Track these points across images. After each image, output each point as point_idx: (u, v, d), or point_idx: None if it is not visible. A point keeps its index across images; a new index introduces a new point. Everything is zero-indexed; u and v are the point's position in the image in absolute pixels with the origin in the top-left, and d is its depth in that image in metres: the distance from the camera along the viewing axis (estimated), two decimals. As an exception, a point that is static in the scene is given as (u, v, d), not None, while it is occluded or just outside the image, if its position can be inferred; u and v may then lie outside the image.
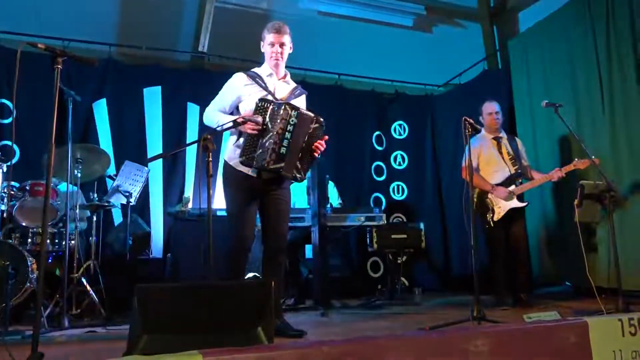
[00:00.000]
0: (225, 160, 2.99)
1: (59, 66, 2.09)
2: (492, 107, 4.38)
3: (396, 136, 6.68)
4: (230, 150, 2.96)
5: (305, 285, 4.81)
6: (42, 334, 3.16)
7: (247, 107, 2.91)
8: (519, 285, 4.17)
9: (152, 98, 5.54)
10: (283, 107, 2.84)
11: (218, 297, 1.94)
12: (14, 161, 4.82)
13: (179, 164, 5.50)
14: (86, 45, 5.18)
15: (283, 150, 2.82)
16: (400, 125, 6.71)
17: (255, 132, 2.79)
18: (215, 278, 2.56)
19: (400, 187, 6.56)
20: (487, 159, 4.28)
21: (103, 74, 5.30)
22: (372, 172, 6.45)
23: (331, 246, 5.20)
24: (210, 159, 2.62)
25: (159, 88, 5.56)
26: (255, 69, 3.09)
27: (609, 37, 4.53)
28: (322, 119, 2.98)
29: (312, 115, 2.94)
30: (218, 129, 2.84)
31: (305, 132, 2.90)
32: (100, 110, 5.30)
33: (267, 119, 2.81)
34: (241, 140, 2.89)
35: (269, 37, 3.02)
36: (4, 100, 4.94)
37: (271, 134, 2.80)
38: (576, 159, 4.02)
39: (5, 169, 3.78)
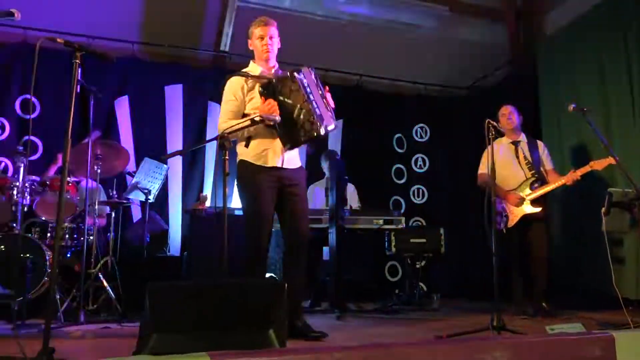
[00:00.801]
0: (241, 159, 2.94)
1: (77, 61, 2.08)
2: (506, 108, 4.28)
3: (417, 139, 6.58)
4: (246, 147, 2.90)
5: (322, 287, 4.75)
6: (58, 327, 3.20)
7: (257, 104, 2.88)
8: (539, 294, 4.04)
9: (174, 96, 5.57)
10: (290, 76, 2.81)
11: (230, 296, 1.90)
12: (37, 156, 4.91)
13: (198, 162, 5.52)
14: (110, 43, 5.23)
15: (317, 110, 2.79)
16: (421, 127, 6.61)
17: (270, 117, 2.76)
18: (230, 277, 2.53)
19: (420, 190, 6.46)
20: (503, 164, 4.15)
21: (125, 71, 5.35)
22: (393, 174, 6.37)
23: (349, 249, 5.15)
24: (227, 157, 2.59)
25: (180, 86, 5.59)
26: (244, 69, 3.05)
27: (642, 38, 4.38)
28: (311, 66, 2.97)
29: (307, 68, 2.91)
30: (230, 131, 2.77)
31: (314, 83, 2.91)
32: (122, 107, 5.35)
33: (282, 98, 2.78)
34: (255, 138, 2.86)
35: (257, 31, 2.99)
36: (29, 96, 5.00)
37: (298, 105, 2.77)
38: (593, 160, 3.88)
39: (27, 163, 3.81)
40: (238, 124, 2.79)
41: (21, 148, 3.76)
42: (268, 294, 1.95)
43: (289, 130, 2.79)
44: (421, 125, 6.61)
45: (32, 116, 4.90)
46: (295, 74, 2.80)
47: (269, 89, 2.81)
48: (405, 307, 4.63)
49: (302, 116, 2.76)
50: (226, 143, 2.58)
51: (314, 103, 2.78)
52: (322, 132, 2.77)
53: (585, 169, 3.87)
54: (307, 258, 2.95)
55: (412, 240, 4.68)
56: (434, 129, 6.62)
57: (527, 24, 6.37)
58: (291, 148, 2.86)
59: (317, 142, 2.93)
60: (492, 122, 2.99)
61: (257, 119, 2.78)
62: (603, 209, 3.18)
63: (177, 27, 5.59)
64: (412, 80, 6.59)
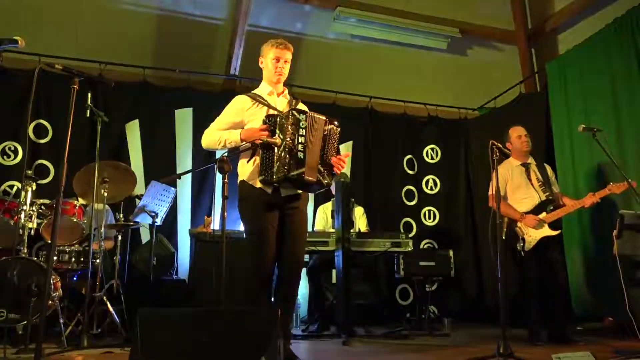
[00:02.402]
0: (241, 180, 2.93)
1: (76, 86, 2.11)
2: (521, 130, 4.23)
3: (428, 160, 6.53)
4: (246, 168, 2.90)
5: (330, 311, 4.68)
6: (60, 352, 3.19)
7: (253, 126, 2.88)
8: (555, 319, 3.92)
9: (184, 120, 5.62)
10: (290, 113, 2.79)
11: (221, 324, 1.86)
12: (48, 180, 4.98)
13: (207, 185, 5.52)
14: (121, 68, 5.33)
15: (300, 155, 2.73)
16: (432, 149, 6.56)
17: (271, 140, 2.74)
18: (230, 302, 2.50)
19: (431, 212, 6.38)
20: (516, 186, 4.10)
21: (136, 95, 5.43)
22: (403, 196, 6.31)
23: (357, 272, 5.08)
24: (227, 180, 2.59)
25: (190, 110, 5.64)
26: (254, 90, 3.05)
27: (654, 58, 4.32)
28: (335, 121, 2.90)
29: (323, 117, 2.87)
30: (222, 145, 2.79)
31: (320, 134, 2.83)
32: (133, 131, 5.41)
33: (278, 132, 2.76)
34: (257, 158, 2.83)
35: (273, 51, 3.00)
36: (42, 121, 5.10)
37: (284, 143, 2.73)
38: (611, 183, 3.80)
39: (35, 187, 3.85)
40: (225, 137, 2.83)
41: (29, 172, 3.80)
42: (261, 321, 1.91)
43: (269, 163, 2.75)
44: (432, 146, 6.57)
45: (43, 141, 4.98)
46: (295, 112, 2.79)
47: (271, 121, 2.81)
48: (415, 331, 4.53)
49: (281, 152, 2.72)
50: (225, 166, 2.58)
51: (300, 146, 2.74)
52: (293, 175, 2.69)
53: (604, 192, 3.80)
54: (299, 283, 2.90)
55: (421, 263, 4.60)
56: (445, 150, 6.56)
57: (538, 44, 6.34)
58: (264, 182, 2.77)
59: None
60: (496, 143, 2.95)
61: (258, 142, 2.77)
62: (615, 232, 3.09)
63: (188, 52, 5.70)
64: (423, 101, 6.57)
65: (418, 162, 6.48)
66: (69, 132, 2.13)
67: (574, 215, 4.67)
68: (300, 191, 2.94)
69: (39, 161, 5.02)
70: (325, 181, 2.83)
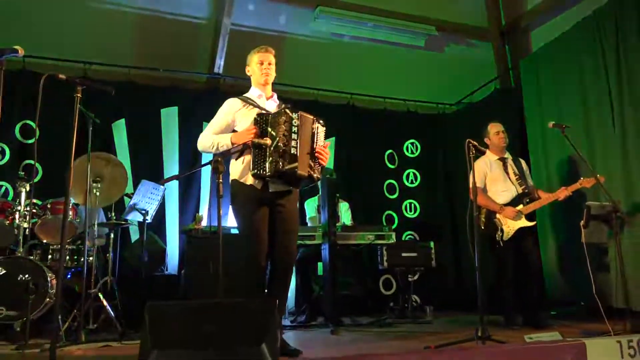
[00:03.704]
0: (233, 179, 3.05)
1: (79, 95, 2.22)
2: (499, 126, 4.45)
3: (408, 154, 6.75)
4: (237, 167, 3.03)
5: (317, 302, 4.86)
6: (60, 347, 3.29)
7: (244, 127, 3.00)
8: (530, 305, 4.16)
9: (169, 118, 5.72)
10: (283, 111, 2.93)
11: (224, 314, 2.02)
12: (36, 180, 5.03)
13: (194, 183, 5.64)
14: (106, 68, 5.39)
15: (293, 150, 2.87)
16: (412, 143, 6.78)
17: (262, 141, 2.86)
18: (226, 295, 2.63)
19: (412, 205, 6.60)
20: (494, 180, 4.33)
21: (122, 95, 5.46)
22: (385, 190, 6.51)
23: (343, 264, 5.26)
24: (221, 180, 2.73)
25: (175, 108, 5.74)
26: (245, 94, 3.20)
27: (619, 53, 4.53)
28: (321, 120, 3.06)
29: (311, 116, 3.02)
30: (212, 149, 2.93)
31: (309, 132, 2.98)
32: (120, 129, 5.49)
33: (269, 129, 2.89)
34: (246, 156, 2.96)
35: (256, 56, 3.15)
36: (29, 121, 5.14)
37: (277, 138, 2.86)
38: (582, 178, 4.05)
39: (28, 188, 3.92)
40: (222, 143, 2.96)
41: (22, 173, 3.87)
42: (260, 311, 2.07)
43: (261, 158, 2.88)
44: (412, 141, 6.78)
45: (31, 141, 5.03)
46: (287, 110, 2.92)
47: (263, 118, 2.94)
48: (399, 320, 4.74)
49: (274, 148, 2.85)
50: (220, 167, 2.71)
51: (293, 142, 2.87)
52: (287, 169, 2.82)
53: (575, 186, 4.04)
54: (292, 275, 3.04)
55: (403, 255, 4.81)
56: (425, 145, 6.79)
57: (512, 41, 6.57)
58: (256, 175, 2.89)
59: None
60: (472, 141, 3.14)
61: (249, 143, 2.90)
62: (582, 222, 3.32)
63: (172, 51, 5.77)
64: (402, 97, 6.76)
65: (398, 156, 6.69)
66: (74, 139, 2.25)
67: (547, 207, 4.91)
68: (289, 188, 3.06)
69: (27, 161, 5.06)
70: (315, 175, 2.98)
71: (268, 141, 2.88)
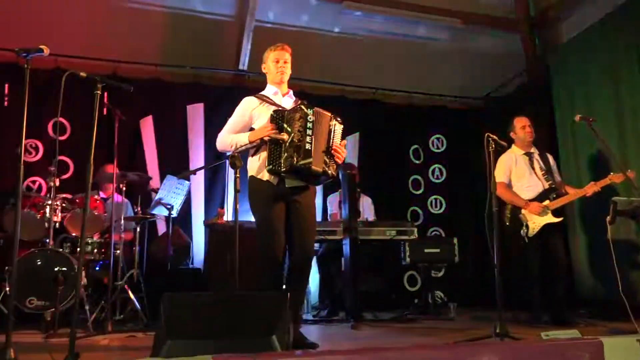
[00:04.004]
0: (250, 175, 3.09)
1: (99, 92, 2.29)
2: (525, 120, 4.36)
3: (434, 149, 6.68)
4: (254, 164, 3.06)
5: (339, 297, 4.87)
6: (87, 337, 3.42)
7: (260, 125, 3.03)
8: (557, 303, 4.07)
9: (195, 114, 5.82)
10: (298, 107, 2.94)
11: (236, 306, 2.06)
12: (68, 175, 5.21)
13: (219, 178, 5.73)
14: (134, 66, 5.52)
15: (308, 146, 2.86)
16: (438, 138, 6.71)
17: (275, 133, 2.87)
18: (243, 288, 2.67)
19: (438, 200, 6.54)
20: (519, 175, 4.25)
21: (149, 92, 5.62)
22: (410, 185, 6.47)
23: (367, 259, 5.26)
24: (239, 175, 2.77)
25: (201, 105, 5.83)
26: (261, 92, 3.21)
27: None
28: (339, 118, 3.04)
29: (329, 114, 3.01)
30: (231, 148, 2.94)
31: (326, 129, 2.97)
32: (147, 126, 5.62)
33: (285, 125, 2.90)
34: (263, 153, 2.99)
35: (272, 54, 3.17)
36: (61, 119, 5.31)
37: (292, 134, 2.87)
38: (612, 173, 3.93)
39: (57, 183, 4.06)
40: (240, 142, 2.99)
41: (52, 168, 4.01)
42: (272, 303, 2.10)
43: (276, 154, 2.89)
44: (437, 136, 6.71)
45: (63, 138, 5.20)
46: (303, 106, 2.93)
47: (279, 114, 2.96)
48: (422, 316, 4.71)
49: (289, 144, 2.86)
50: (237, 162, 2.75)
51: (307, 138, 2.87)
52: (301, 164, 2.82)
53: (605, 181, 3.93)
54: (310, 270, 3.06)
55: (426, 250, 4.76)
56: (451, 140, 6.70)
57: (542, 32, 6.41)
58: (272, 171, 2.90)
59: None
60: (491, 135, 3.09)
61: (256, 139, 2.93)
62: (608, 218, 3.23)
63: (197, 48, 5.85)
64: (428, 92, 6.69)
65: (424, 151, 6.62)
66: (94, 135, 2.32)
67: (577, 203, 4.79)
68: (305, 183, 3.07)
69: (59, 157, 5.22)
70: (330, 171, 2.97)
71: (285, 136, 2.89)
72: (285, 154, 2.87)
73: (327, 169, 2.94)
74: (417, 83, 6.61)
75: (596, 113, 4.65)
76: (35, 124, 5.18)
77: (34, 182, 5.12)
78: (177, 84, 5.81)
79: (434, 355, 1.78)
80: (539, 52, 6.33)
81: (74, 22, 5.36)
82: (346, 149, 3.11)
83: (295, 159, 2.84)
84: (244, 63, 6.02)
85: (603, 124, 4.70)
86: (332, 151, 2.99)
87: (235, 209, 2.70)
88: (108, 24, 5.56)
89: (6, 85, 5.16)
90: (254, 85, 6.06)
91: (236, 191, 2.72)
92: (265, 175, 2.99)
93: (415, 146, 6.59)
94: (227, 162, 2.75)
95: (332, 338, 3.35)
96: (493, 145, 3.05)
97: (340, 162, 3.05)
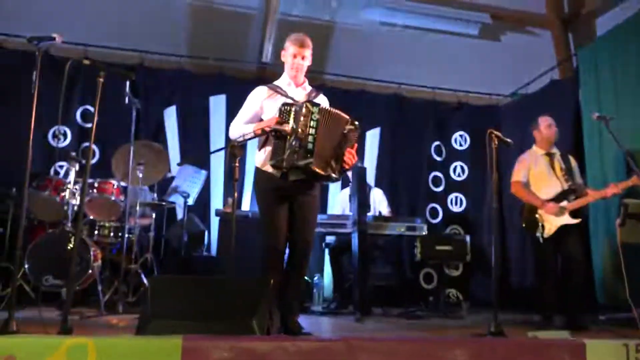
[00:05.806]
0: (256, 167, 3.14)
1: (101, 79, 2.38)
2: (550, 119, 4.25)
3: (456, 147, 6.58)
4: (260, 156, 3.10)
5: (349, 290, 4.89)
6: (98, 316, 3.57)
7: (270, 116, 3.06)
8: (571, 306, 3.97)
9: (218, 106, 5.92)
10: (304, 105, 2.92)
11: (219, 290, 2.12)
12: (94, 161, 5.40)
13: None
14: (159, 57, 5.68)
15: (309, 145, 2.85)
16: (461, 135, 6.60)
17: (281, 127, 2.87)
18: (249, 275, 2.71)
19: (458, 198, 6.44)
20: (538, 175, 4.15)
21: (174, 83, 5.77)
22: (430, 182, 6.40)
23: (380, 254, 5.25)
24: (237, 164, 2.82)
25: (224, 96, 5.93)
26: (275, 82, 3.24)
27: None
28: (356, 122, 3.00)
29: (346, 116, 2.98)
30: (240, 138, 2.98)
31: (336, 130, 2.94)
32: (171, 116, 5.77)
33: (292, 122, 2.89)
34: (268, 146, 3.01)
35: (292, 48, 3.15)
36: (89, 106, 5.52)
37: (296, 131, 2.86)
38: (635, 176, 3.78)
39: (78, 168, 4.23)
40: (247, 132, 3.01)
41: (73, 153, 4.17)
42: (252, 288, 2.15)
43: (280, 149, 2.88)
44: (461, 133, 6.60)
45: (90, 125, 5.40)
46: (308, 103, 2.93)
47: (286, 108, 2.95)
48: (432, 313, 4.68)
49: (292, 140, 2.85)
50: (237, 151, 2.81)
51: (310, 137, 2.85)
52: (301, 163, 2.81)
53: (627, 183, 3.79)
54: (308, 263, 3.08)
55: (437, 248, 4.71)
56: (474, 137, 6.57)
57: (575, 28, 6.21)
58: (274, 166, 2.89)
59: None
60: (494, 132, 3.04)
61: (259, 130, 2.96)
62: (618, 220, 3.13)
63: (222, 40, 5.96)
64: (453, 88, 6.59)
65: (446, 148, 6.54)
66: (94, 121, 2.41)
67: (600, 204, 4.64)
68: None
69: (86, 144, 5.44)
70: (334, 176, 2.95)
71: (287, 127, 2.90)
72: (288, 151, 2.87)
73: (330, 172, 2.92)
74: (442, 79, 6.52)
75: (622, 111, 4.48)
76: (65, 112, 5.39)
77: (61, 166, 5.34)
78: (200, 75, 5.93)
79: (405, 348, 1.78)
80: (572, 49, 6.14)
81: (101, 13, 5.55)
82: (356, 156, 3.05)
83: (296, 156, 2.84)
84: (267, 56, 6.08)
85: (630, 125, 4.54)
86: (343, 156, 2.96)
87: (234, 198, 2.76)
88: (139, 14, 5.72)
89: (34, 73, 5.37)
90: (277, 77, 6.12)
91: (234, 180, 2.77)
92: (269, 168, 3.02)
93: (437, 143, 6.51)
94: (227, 151, 2.80)
95: (333, 328, 3.37)
96: (496, 142, 2.99)
97: (347, 167, 3.02)
